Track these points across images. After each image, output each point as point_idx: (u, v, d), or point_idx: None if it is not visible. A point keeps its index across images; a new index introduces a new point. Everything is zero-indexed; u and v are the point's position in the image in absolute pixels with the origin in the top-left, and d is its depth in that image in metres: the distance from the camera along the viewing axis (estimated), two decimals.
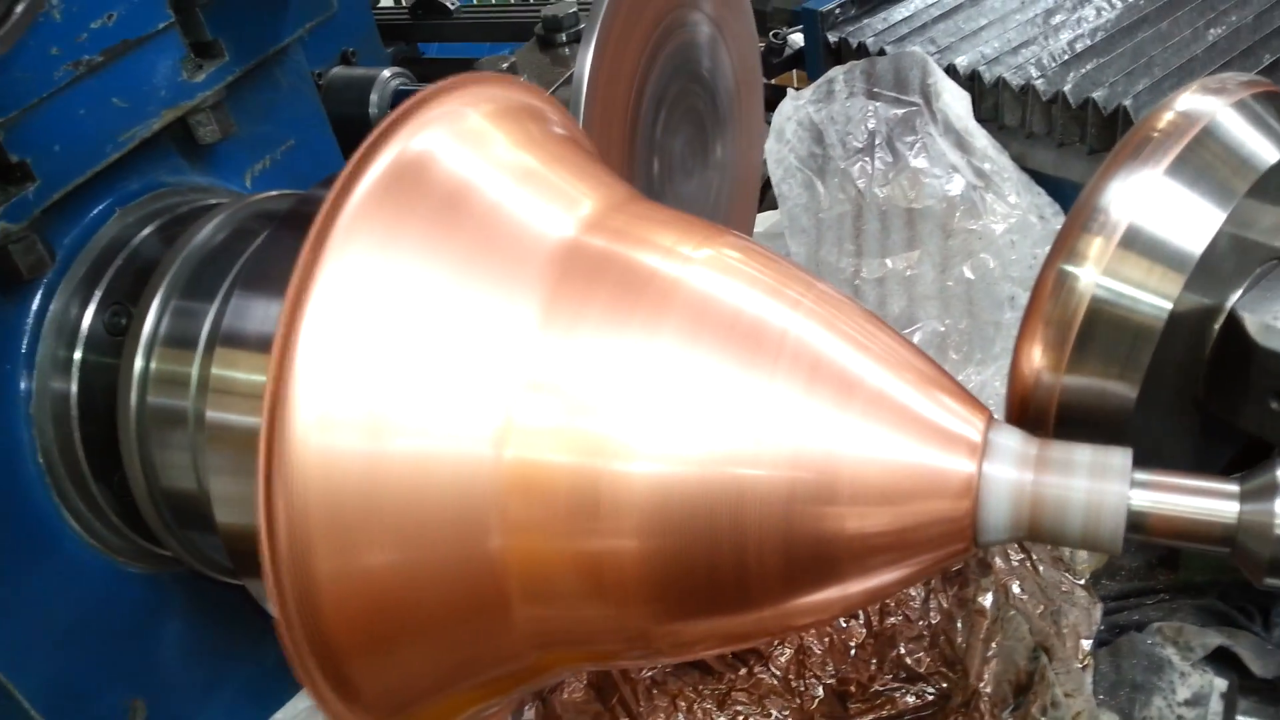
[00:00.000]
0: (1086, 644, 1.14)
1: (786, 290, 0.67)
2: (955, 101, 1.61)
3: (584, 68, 1.09)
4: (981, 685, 1.14)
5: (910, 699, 1.19)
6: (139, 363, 0.97)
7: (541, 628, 0.66)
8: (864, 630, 1.22)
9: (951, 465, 0.63)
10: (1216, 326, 0.73)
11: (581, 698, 1.20)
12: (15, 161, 0.89)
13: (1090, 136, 1.56)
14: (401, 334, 0.62)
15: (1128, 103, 1.49)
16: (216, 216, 1.03)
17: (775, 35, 2.04)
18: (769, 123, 1.73)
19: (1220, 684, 1.18)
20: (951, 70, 1.69)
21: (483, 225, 0.66)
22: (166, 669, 1.11)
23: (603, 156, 0.82)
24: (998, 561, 1.21)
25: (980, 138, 1.60)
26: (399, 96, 1.49)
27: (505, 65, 1.58)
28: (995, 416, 0.67)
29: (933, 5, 1.87)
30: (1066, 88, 1.57)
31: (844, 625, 1.22)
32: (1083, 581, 1.21)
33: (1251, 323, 0.72)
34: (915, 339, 1.57)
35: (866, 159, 1.63)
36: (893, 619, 1.22)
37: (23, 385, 0.96)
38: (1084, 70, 1.61)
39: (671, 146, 1.33)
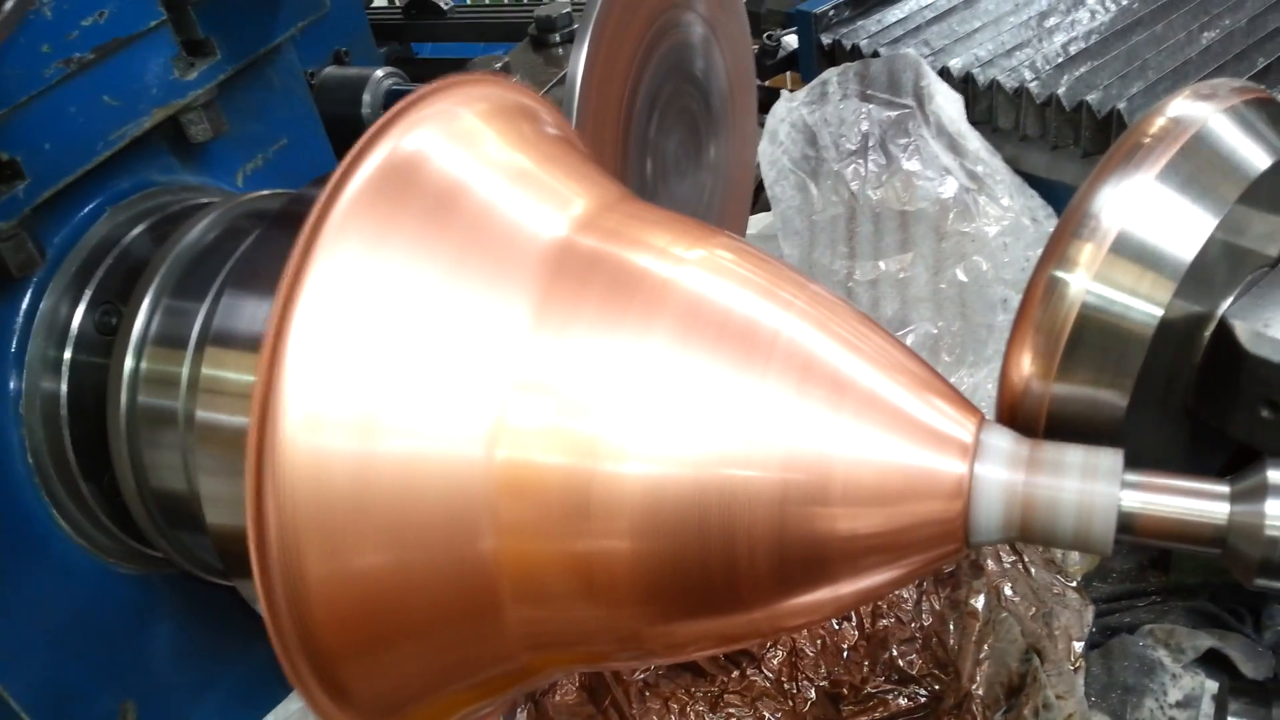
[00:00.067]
0: (1078, 646, 1.15)
1: (779, 291, 0.67)
2: (948, 104, 1.62)
3: (577, 68, 1.09)
4: (973, 687, 1.14)
5: (902, 701, 1.19)
6: (129, 362, 0.97)
7: (533, 629, 0.66)
8: (856, 632, 1.22)
9: (943, 466, 0.63)
10: (1207, 334, 0.73)
11: (574, 699, 1.20)
12: (5, 159, 0.89)
13: (1084, 139, 1.57)
14: (392, 334, 0.61)
15: (1122, 106, 1.49)
16: (208, 216, 1.02)
17: (769, 37, 2.04)
18: (763, 124, 1.73)
19: (1211, 686, 1.19)
20: (946, 73, 1.69)
21: (475, 225, 0.65)
22: (157, 670, 1.10)
23: (596, 157, 0.82)
24: (990, 563, 1.21)
25: (973, 140, 1.60)
26: (392, 96, 1.49)
27: (499, 65, 1.58)
28: (987, 418, 0.67)
29: (927, 8, 1.87)
30: (1060, 90, 1.57)
31: (836, 627, 1.22)
32: (1074, 583, 1.21)
33: (1242, 330, 0.72)
34: (908, 341, 1.57)
35: (860, 161, 1.63)
36: (885, 621, 1.22)
37: (12, 385, 0.96)
38: (1078, 73, 1.61)
39: (665, 147, 1.33)
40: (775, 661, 1.21)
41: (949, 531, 0.64)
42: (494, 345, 0.63)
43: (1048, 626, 1.15)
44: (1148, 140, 0.72)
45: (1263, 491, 0.62)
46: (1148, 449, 0.67)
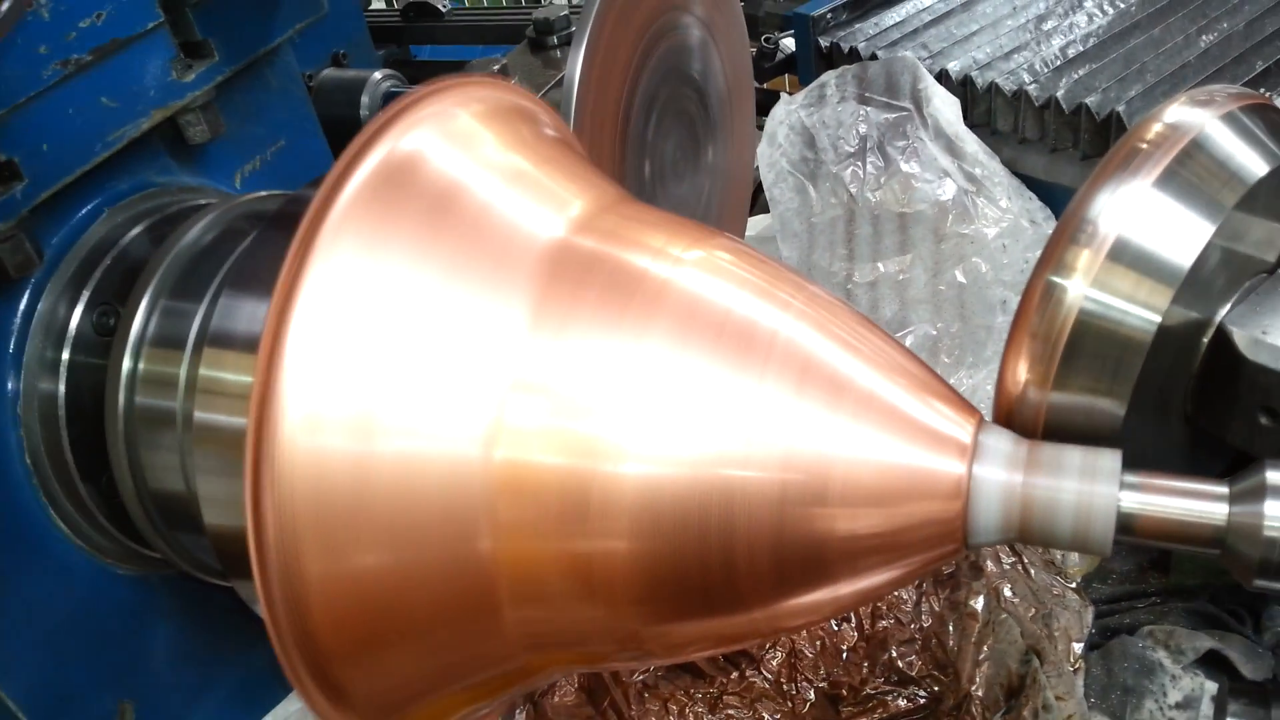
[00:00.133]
0: (1078, 647, 1.14)
1: (777, 292, 0.67)
2: (945, 107, 1.62)
3: (575, 70, 1.09)
4: (973, 688, 1.14)
5: (902, 702, 1.19)
6: (127, 363, 0.97)
7: (532, 629, 0.66)
8: (855, 633, 1.22)
9: (942, 467, 0.63)
10: (1205, 340, 0.73)
11: (573, 701, 1.20)
12: (3, 160, 0.89)
13: (1084, 142, 1.57)
14: (390, 334, 0.61)
15: (1121, 108, 1.49)
16: (205, 217, 1.02)
17: (767, 40, 2.04)
18: (761, 127, 1.73)
19: (1211, 687, 1.18)
20: (944, 75, 1.69)
21: (472, 226, 0.65)
22: (156, 671, 1.10)
23: (593, 159, 0.82)
24: (989, 565, 1.21)
25: (970, 142, 1.61)
26: (390, 98, 1.49)
27: (496, 67, 1.58)
28: (986, 419, 0.67)
29: (924, 10, 1.87)
30: (1059, 93, 1.57)
31: (835, 628, 1.22)
32: (1074, 585, 1.21)
33: (1240, 337, 0.72)
34: (907, 343, 1.57)
35: (858, 163, 1.63)
36: (884, 622, 1.21)
37: (10, 386, 0.95)
38: (1076, 76, 1.61)
39: (663, 149, 1.33)
40: (774, 663, 1.21)
41: (948, 532, 0.64)
42: (492, 346, 0.63)
43: (1047, 628, 1.15)
44: (1145, 146, 0.71)
45: (1261, 492, 0.62)
46: (1146, 456, 0.67)
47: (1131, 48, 1.65)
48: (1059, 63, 1.66)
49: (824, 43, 1.86)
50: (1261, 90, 1.56)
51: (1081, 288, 0.68)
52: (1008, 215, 1.57)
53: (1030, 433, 0.72)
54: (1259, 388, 0.71)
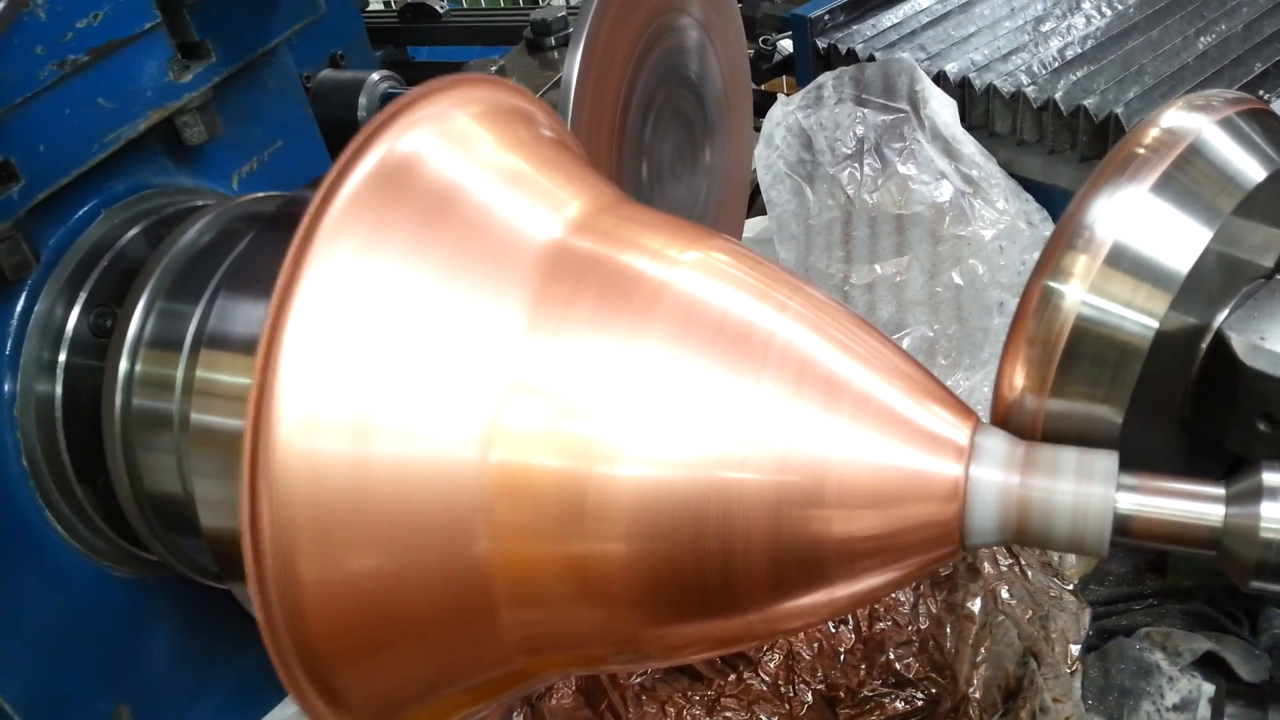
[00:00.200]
0: (1075, 649, 1.15)
1: (774, 293, 0.67)
2: (942, 108, 1.62)
3: (572, 71, 1.09)
4: (970, 690, 1.14)
5: (899, 704, 1.19)
6: (124, 365, 0.96)
7: (529, 632, 0.66)
8: (853, 635, 1.22)
9: (938, 468, 0.63)
10: (1203, 346, 0.73)
11: (570, 703, 1.20)
12: (0, 161, 0.89)
13: (1082, 144, 1.57)
14: (387, 336, 0.61)
15: (1119, 110, 1.49)
16: (203, 218, 1.02)
17: (765, 41, 2.04)
18: (758, 128, 1.73)
19: (1208, 689, 1.19)
20: (941, 77, 1.69)
21: (469, 227, 0.65)
22: (152, 674, 1.10)
23: (591, 159, 0.82)
24: (986, 567, 1.21)
25: (967, 144, 1.61)
26: (387, 99, 1.48)
27: (494, 68, 1.58)
28: (983, 421, 0.67)
29: (922, 12, 1.87)
30: (1057, 95, 1.57)
31: (833, 630, 1.22)
32: (1071, 586, 1.21)
33: (1238, 343, 0.71)
34: (904, 344, 1.57)
35: (855, 165, 1.63)
36: (882, 624, 1.21)
37: (6, 387, 0.95)
38: (1075, 78, 1.62)
39: (660, 150, 1.33)
40: (772, 665, 1.21)
41: (945, 534, 0.64)
42: (489, 347, 0.62)
43: (1044, 629, 1.15)
44: (1142, 151, 0.71)
45: (1257, 494, 0.62)
46: (1144, 461, 0.67)
47: (1129, 50, 1.65)
48: (1057, 64, 1.66)
49: (822, 44, 1.86)
50: (1260, 92, 1.56)
51: (1079, 293, 0.68)
52: (1005, 217, 1.57)
53: (1028, 439, 0.72)
54: (1257, 393, 0.70)
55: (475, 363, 0.62)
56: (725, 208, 1.56)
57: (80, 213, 1.00)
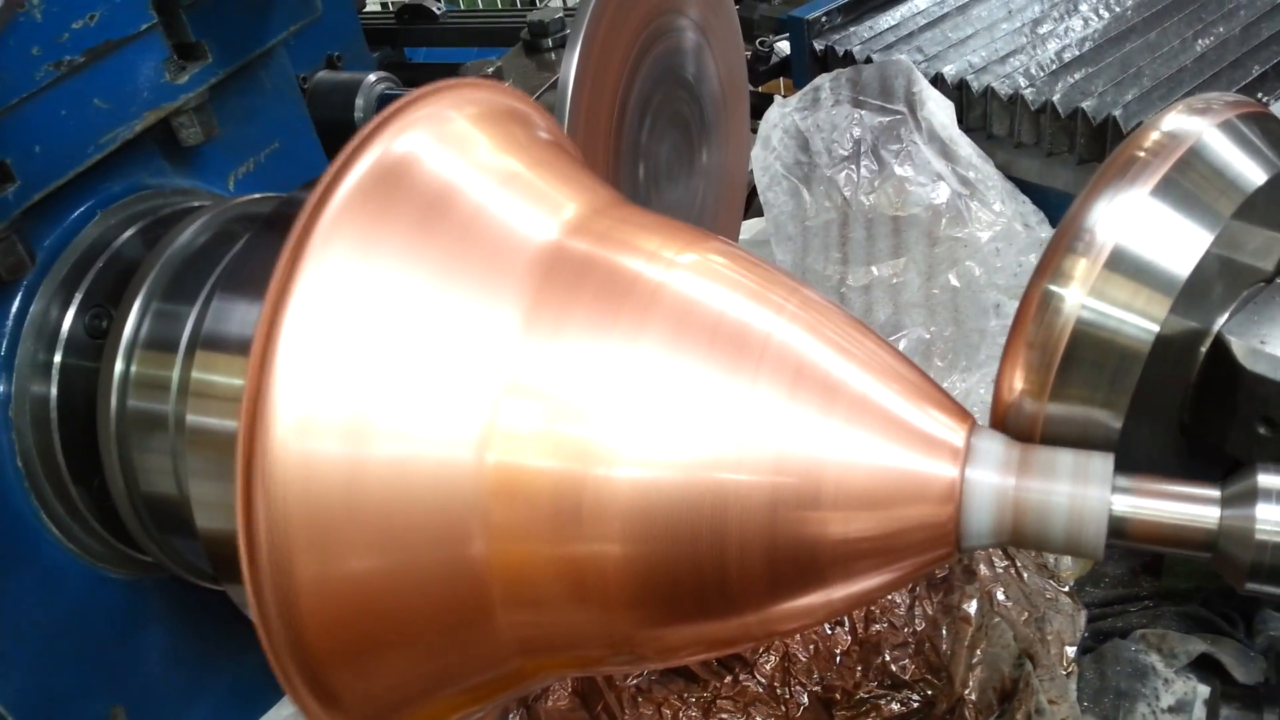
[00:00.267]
0: (1071, 651, 1.15)
1: (770, 295, 0.67)
2: (939, 110, 1.62)
3: (569, 72, 1.09)
4: (966, 692, 1.14)
5: (895, 706, 1.19)
6: (119, 366, 0.96)
7: (525, 633, 0.66)
8: (849, 637, 1.22)
9: (934, 470, 0.63)
10: (1203, 350, 0.73)
11: (566, 705, 1.20)
12: None
13: (1080, 146, 1.57)
14: (383, 337, 0.61)
15: (1118, 113, 1.49)
16: (198, 219, 1.02)
17: (762, 43, 2.04)
18: (755, 130, 1.73)
19: (1203, 690, 1.19)
20: (939, 79, 1.69)
21: (465, 228, 0.65)
22: (147, 676, 1.10)
23: (587, 161, 0.82)
24: (982, 568, 1.21)
25: (964, 146, 1.61)
26: (384, 101, 1.48)
27: (491, 70, 1.57)
28: (979, 422, 0.67)
29: (920, 14, 1.88)
30: (1055, 97, 1.57)
31: (829, 632, 1.22)
32: (1067, 588, 1.21)
33: (1238, 347, 0.71)
34: (900, 346, 1.57)
35: (852, 167, 1.63)
36: (878, 626, 1.21)
37: (1, 389, 0.95)
38: (1072, 80, 1.62)
39: (657, 152, 1.33)
40: (768, 667, 1.21)
41: (940, 536, 0.64)
42: (485, 349, 0.62)
43: (1040, 631, 1.15)
44: (1142, 154, 0.71)
45: (1253, 496, 0.62)
46: (1143, 465, 0.67)
47: (1127, 52, 1.66)
48: (1055, 67, 1.66)
49: (819, 46, 1.86)
50: (1258, 95, 1.57)
51: (1079, 297, 0.68)
52: (1001, 219, 1.58)
53: (1027, 442, 0.72)
54: (1257, 397, 0.71)
55: (471, 364, 0.62)
56: (722, 209, 1.56)
57: (76, 214, 1.00)
